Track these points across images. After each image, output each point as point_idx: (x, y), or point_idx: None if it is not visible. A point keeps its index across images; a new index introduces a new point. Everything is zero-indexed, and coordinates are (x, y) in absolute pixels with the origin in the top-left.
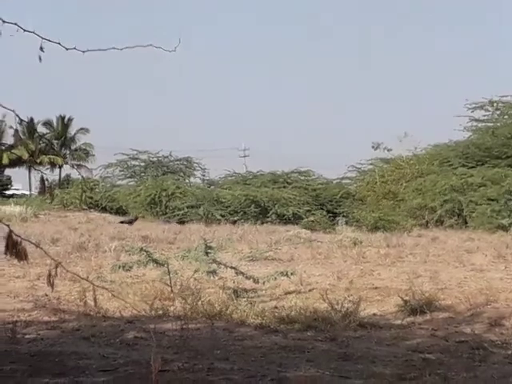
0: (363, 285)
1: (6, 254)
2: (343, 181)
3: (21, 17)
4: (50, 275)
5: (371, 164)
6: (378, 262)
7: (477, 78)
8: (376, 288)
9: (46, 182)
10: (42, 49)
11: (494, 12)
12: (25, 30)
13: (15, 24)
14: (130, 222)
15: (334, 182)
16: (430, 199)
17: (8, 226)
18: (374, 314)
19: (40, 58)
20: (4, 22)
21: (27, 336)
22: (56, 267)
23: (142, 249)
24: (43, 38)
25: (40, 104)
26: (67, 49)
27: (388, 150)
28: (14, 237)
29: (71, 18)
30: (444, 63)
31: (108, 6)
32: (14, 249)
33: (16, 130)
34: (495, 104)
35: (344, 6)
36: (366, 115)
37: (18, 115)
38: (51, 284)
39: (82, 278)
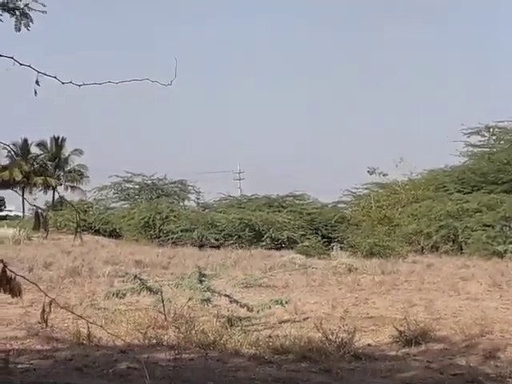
0: (358, 314)
1: None
2: (338, 205)
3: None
4: (43, 311)
5: (367, 189)
6: (373, 289)
7: (473, 103)
8: (371, 317)
9: (40, 217)
10: (37, 82)
11: (490, 38)
12: (21, 64)
13: (11, 58)
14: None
15: (329, 206)
16: (425, 225)
17: (2, 261)
18: (369, 345)
19: (35, 92)
20: (0, 55)
21: (20, 366)
22: (50, 304)
23: (136, 276)
24: (39, 72)
25: (34, 125)
26: (63, 83)
27: (384, 175)
28: (8, 272)
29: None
30: (441, 87)
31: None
32: (8, 284)
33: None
34: (491, 129)
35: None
36: (361, 139)
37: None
38: (45, 320)
39: (75, 314)
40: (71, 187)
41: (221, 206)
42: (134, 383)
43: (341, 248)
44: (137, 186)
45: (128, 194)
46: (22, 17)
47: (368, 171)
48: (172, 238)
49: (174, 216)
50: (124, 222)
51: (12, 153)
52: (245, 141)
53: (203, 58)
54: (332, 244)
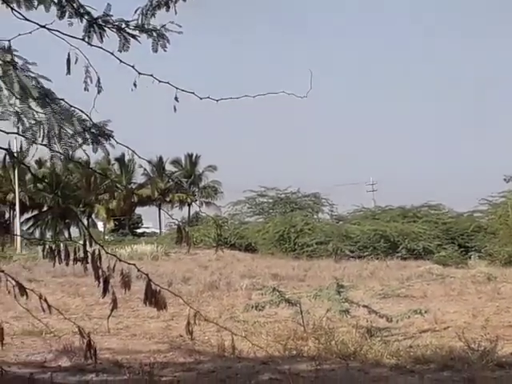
0: (500, 322)
1: (145, 303)
2: (474, 214)
3: None
4: (188, 323)
5: (503, 197)
6: None
7: None
8: None
9: (183, 231)
10: (176, 99)
11: None
12: (160, 81)
13: (151, 75)
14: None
15: (465, 215)
16: None
17: (147, 275)
18: None
19: (175, 108)
20: (140, 73)
21: (164, 378)
22: (194, 316)
23: (274, 289)
24: (177, 88)
25: (168, 142)
26: (201, 98)
27: None
28: (153, 286)
29: None
30: None
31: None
32: (154, 297)
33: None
34: None
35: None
36: (496, 147)
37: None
38: (190, 332)
39: (219, 325)
40: (206, 203)
41: (355, 218)
42: None
43: (479, 257)
44: (271, 200)
45: (262, 208)
46: (159, 38)
47: (504, 179)
48: (307, 251)
49: (309, 229)
50: (259, 235)
51: (148, 171)
52: (376, 152)
53: (337, 68)
54: (469, 253)
